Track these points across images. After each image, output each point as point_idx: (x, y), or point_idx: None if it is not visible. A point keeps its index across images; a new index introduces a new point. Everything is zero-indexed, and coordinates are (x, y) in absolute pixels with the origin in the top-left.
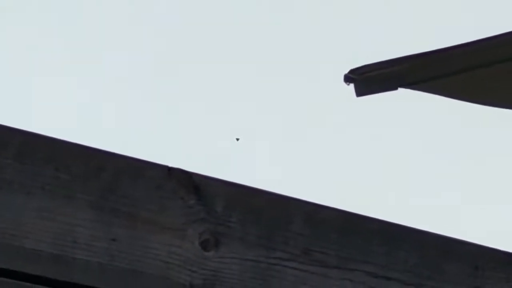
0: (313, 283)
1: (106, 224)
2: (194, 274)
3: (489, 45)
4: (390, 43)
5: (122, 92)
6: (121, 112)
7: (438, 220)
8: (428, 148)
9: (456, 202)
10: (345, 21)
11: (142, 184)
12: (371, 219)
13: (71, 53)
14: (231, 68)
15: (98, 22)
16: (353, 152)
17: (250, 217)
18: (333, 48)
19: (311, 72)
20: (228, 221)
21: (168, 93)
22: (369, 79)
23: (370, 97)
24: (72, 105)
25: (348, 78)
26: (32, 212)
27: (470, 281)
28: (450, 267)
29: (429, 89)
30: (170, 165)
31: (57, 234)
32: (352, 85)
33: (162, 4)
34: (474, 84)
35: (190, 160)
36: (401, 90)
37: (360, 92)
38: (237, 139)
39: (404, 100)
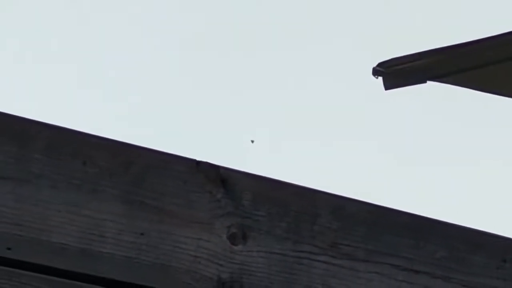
0: (341, 276)
1: (134, 218)
2: (221, 268)
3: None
4: (417, 36)
5: (149, 85)
6: (149, 106)
7: (467, 213)
8: (457, 142)
9: (485, 194)
10: (372, 14)
11: (170, 178)
12: (398, 212)
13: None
14: (259, 62)
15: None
16: (381, 145)
17: (277, 210)
18: (361, 41)
19: (339, 66)
20: (255, 214)
21: (195, 87)
22: (397, 72)
23: (398, 90)
24: (98, 99)
25: (376, 71)
26: (60, 206)
27: (498, 274)
28: (478, 260)
29: (458, 82)
30: (197, 158)
31: (85, 228)
32: (380, 78)
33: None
34: (503, 76)
35: (217, 153)
36: (429, 83)
37: (388, 85)
38: (252, 141)
39: (433, 93)
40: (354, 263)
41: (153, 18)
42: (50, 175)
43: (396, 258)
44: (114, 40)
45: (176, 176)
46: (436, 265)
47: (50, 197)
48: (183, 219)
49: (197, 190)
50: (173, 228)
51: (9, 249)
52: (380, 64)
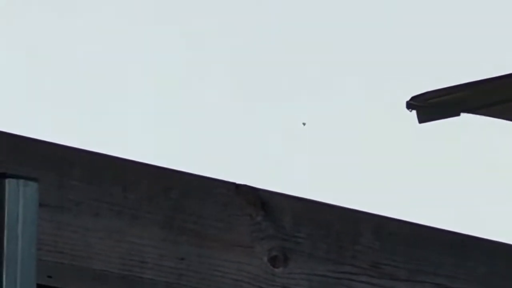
0: None
1: (174, 243)
2: None
3: None
4: (449, 70)
5: (179, 108)
6: (184, 129)
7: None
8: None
9: None
10: (404, 47)
11: (210, 202)
12: (438, 230)
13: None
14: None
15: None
16: (417, 179)
17: (318, 232)
18: (395, 74)
19: (375, 99)
20: (296, 236)
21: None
22: (431, 106)
23: (433, 123)
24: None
25: (410, 105)
26: (100, 233)
27: None
28: None
29: (491, 114)
30: (237, 181)
31: (125, 254)
32: (414, 112)
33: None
34: None
35: (256, 175)
36: (463, 116)
37: (422, 119)
38: (304, 124)
39: (466, 126)
40: (396, 283)
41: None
42: (90, 202)
43: (437, 277)
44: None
45: (216, 200)
46: (478, 282)
47: (91, 224)
48: (224, 242)
49: (237, 213)
50: (213, 252)
51: (49, 277)
52: (413, 98)
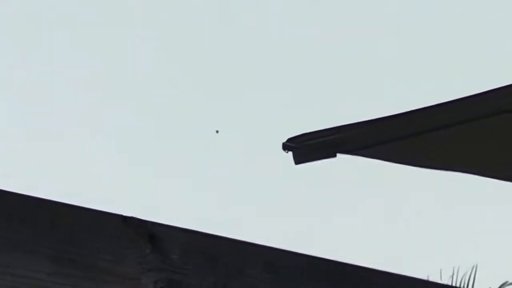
0: None
1: (64, 277)
2: None
3: (421, 115)
4: (326, 112)
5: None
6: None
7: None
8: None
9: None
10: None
11: (99, 234)
12: (337, 263)
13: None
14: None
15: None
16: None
17: (206, 264)
18: (271, 118)
19: (250, 140)
20: (184, 268)
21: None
22: (307, 147)
23: (308, 164)
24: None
25: (286, 147)
26: None
27: None
28: None
29: (366, 154)
30: (125, 214)
31: None
32: (290, 153)
33: None
34: (414, 149)
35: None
36: (339, 157)
37: (298, 160)
38: (217, 132)
39: (342, 166)
40: None
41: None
42: None
43: None
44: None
45: (105, 233)
46: None
47: None
48: (113, 275)
49: (126, 246)
50: (103, 284)
51: None
52: (290, 140)
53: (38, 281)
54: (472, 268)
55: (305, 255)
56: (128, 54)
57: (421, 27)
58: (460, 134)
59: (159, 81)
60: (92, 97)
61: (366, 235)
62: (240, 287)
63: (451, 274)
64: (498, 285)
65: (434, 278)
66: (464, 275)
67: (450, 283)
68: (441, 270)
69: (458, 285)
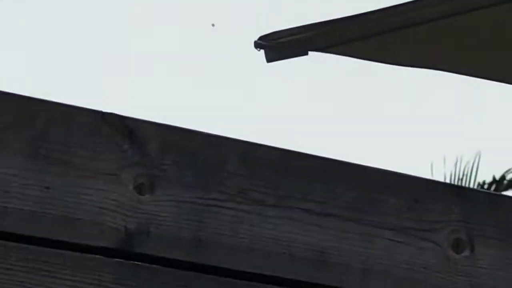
0: (250, 222)
1: (39, 172)
2: (128, 218)
3: (392, 13)
4: (298, 10)
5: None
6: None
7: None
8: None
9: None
10: None
11: (76, 130)
12: (308, 156)
13: None
14: None
15: None
16: (264, 112)
17: (185, 159)
18: (243, 15)
19: (223, 36)
20: (163, 164)
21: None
22: (279, 45)
23: (280, 62)
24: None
25: (258, 45)
26: None
27: (410, 214)
28: (390, 201)
29: (338, 52)
30: (104, 110)
31: None
32: (262, 51)
33: None
34: (386, 46)
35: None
36: (311, 55)
37: (270, 58)
38: (213, 25)
39: (314, 64)
40: (264, 208)
41: None
42: None
43: (307, 203)
44: None
45: (82, 128)
46: (348, 208)
47: None
48: (89, 171)
49: (103, 142)
50: (79, 180)
51: None
52: (261, 38)
53: (10, 176)
54: (476, 156)
55: (279, 148)
56: None
57: None
58: (439, 30)
59: None
60: None
61: (362, 134)
62: (219, 181)
63: (455, 162)
64: (501, 173)
65: (438, 166)
66: (468, 163)
67: (454, 171)
68: (444, 158)
69: (461, 173)
